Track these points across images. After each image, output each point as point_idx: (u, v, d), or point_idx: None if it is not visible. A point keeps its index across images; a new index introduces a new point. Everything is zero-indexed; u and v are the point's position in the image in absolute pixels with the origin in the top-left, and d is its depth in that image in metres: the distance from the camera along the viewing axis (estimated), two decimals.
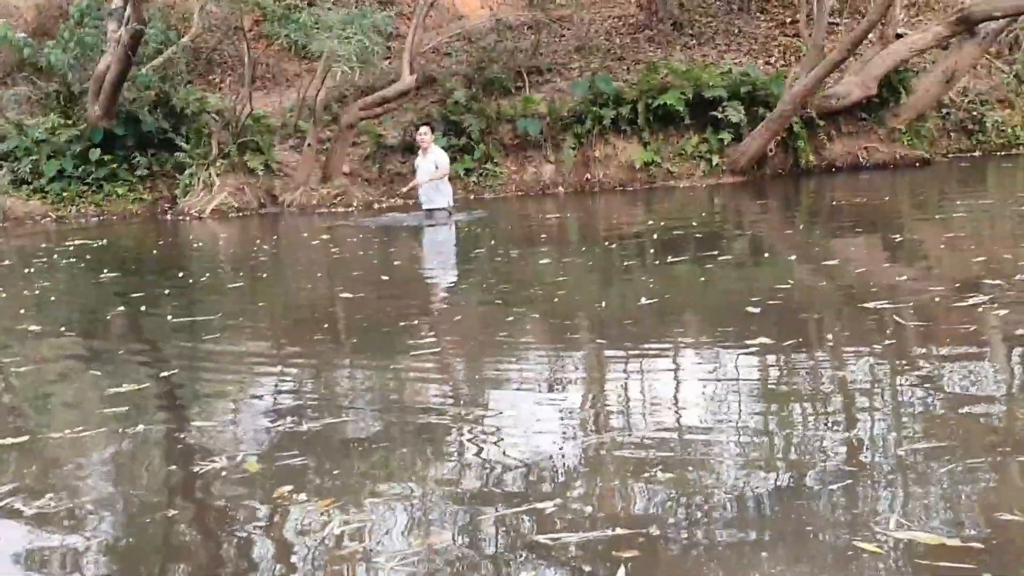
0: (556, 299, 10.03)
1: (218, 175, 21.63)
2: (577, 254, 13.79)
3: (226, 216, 20.97)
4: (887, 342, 7.41)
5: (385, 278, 12.70)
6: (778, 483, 4.88)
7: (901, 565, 3.96)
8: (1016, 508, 4.36)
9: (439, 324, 9.28)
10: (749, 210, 18.15)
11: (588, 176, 22.84)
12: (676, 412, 6.24)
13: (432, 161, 17.39)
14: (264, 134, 22.60)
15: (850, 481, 4.80)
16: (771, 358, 7.26)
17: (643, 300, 9.43)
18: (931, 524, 4.29)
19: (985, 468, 4.86)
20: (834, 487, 4.74)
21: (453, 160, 21.05)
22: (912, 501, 4.58)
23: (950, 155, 24.28)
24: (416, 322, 9.35)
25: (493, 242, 15.04)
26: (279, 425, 6.27)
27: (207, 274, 13.85)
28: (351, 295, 11.11)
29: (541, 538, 4.36)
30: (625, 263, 12.68)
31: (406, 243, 16.02)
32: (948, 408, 5.90)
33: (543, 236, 15.64)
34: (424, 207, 17.59)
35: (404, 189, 18.68)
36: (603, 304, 9.79)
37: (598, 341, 8.17)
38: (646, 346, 7.95)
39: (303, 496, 5.01)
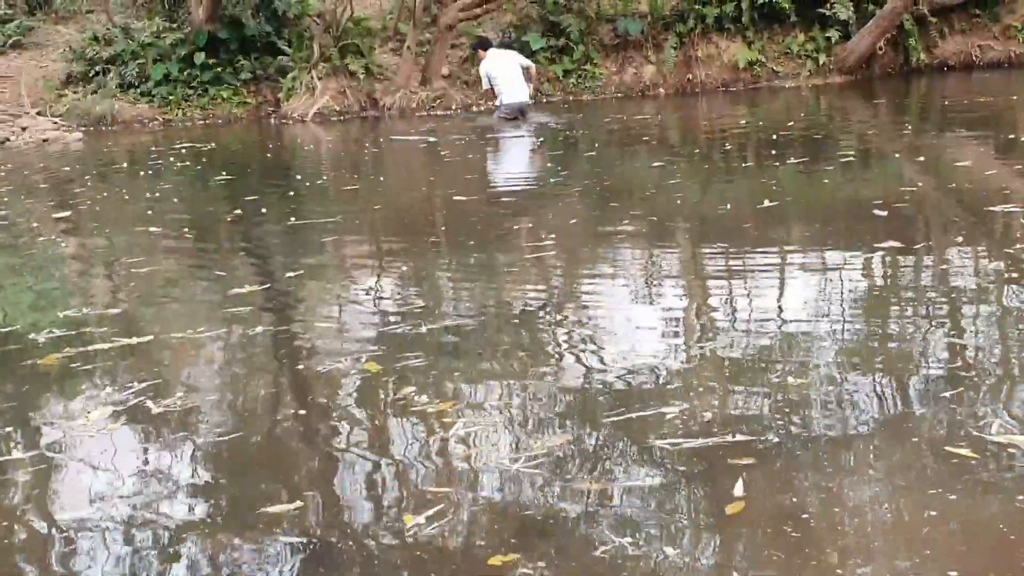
0: (675, 202, 9.95)
1: (320, 79, 21.67)
2: (687, 157, 13.61)
3: (328, 119, 21.05)
4: (1017, 246, 7.27)
5: (490, 180, 12.70)
6: (892, 388, 4.84)
7: (994, 468, 3.96)
8: None
9: (546, 227, 9.24)
10: (860, 111, 17.73)
11: (690, 77, 22.43)
12: (801, 317, 6.15)
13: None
14: (364, 37, 22.55)
15: (961, 388, 4.74)
16: (901, 261, 7.17)
17: (765, 203, 9.29)
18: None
19: None
20: (946, 393, 4.70)
21: (552, 61, 20.81)
22: (1016, 409, 4.51)
23: None
24: (526, 226, 9.33)
25: (597, 144, 14.91)
26: (398, 327, 6.31)
27: (320, 177, 13.95)
28: (463, 198, 11.10)
29: (659, 443, 4.36)
30: (741, 165, 12.50)
31: (509, 146, 15.95)
32: None
33: (646, 138, 15.46)
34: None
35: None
36: (727, 207, 9.65)
37: (721, 244, 8.08)
38: (774, 249, 7.87)
39: (424, 398, 5.05)
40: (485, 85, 18.02)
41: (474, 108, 21.21)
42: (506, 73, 17.49)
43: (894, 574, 3.34)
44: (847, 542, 3.52)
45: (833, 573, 3.35)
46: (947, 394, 4.69)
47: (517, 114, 17.35)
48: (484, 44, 18.63)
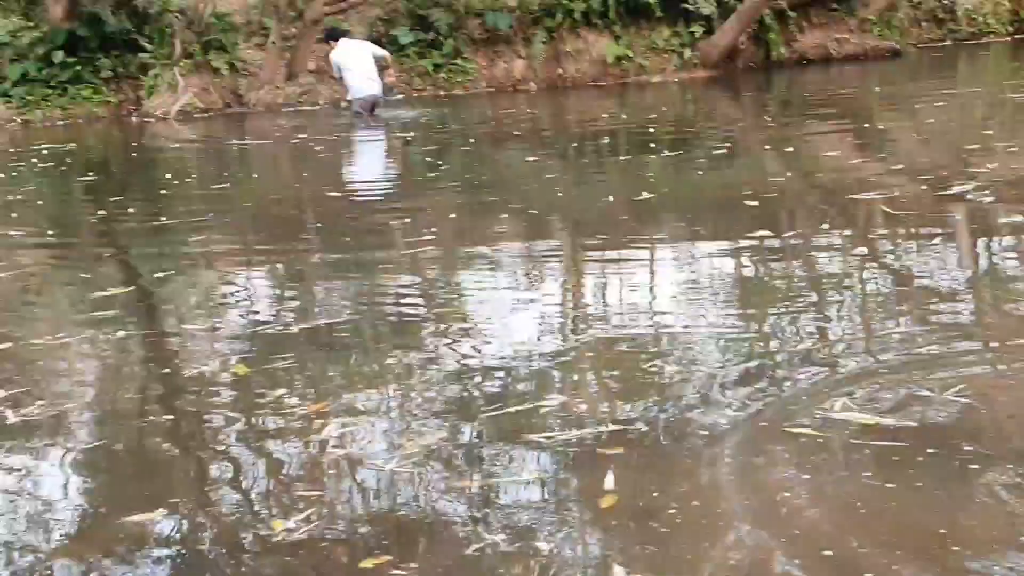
0: (554, 196, 9.97)
1: (182, 75, 21.22)
2: (563, 151, 13.65)
3: (192, 117, 20.62)
4: (878, 231, 7.49)
5: (363, 176, 12.58)
6: (758, 374, 4.92)
7: (827, 445, 4.08)
8: (963, 392, 4.45)
9: (423, 223, 9.17)
10: (726, 105, 18.03)
11: (560, 71, 22.51)
12: (676, 307, 6.22)
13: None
14: (228, 32, 22.13)
15: (819, 369, 4.90)
16: (771, 249, 7.31)
17: (643, 195, 9.36)
18: (878, 408, 4.38)
19: (947, 356, 4.97)
20: (803, 375, 4.84)
21: (421, 56, 20.67)
22: (867, 387, 4.63)
23: (921, 45, 24.10)
24: (398, 221, 9.25)
25: (472, 140, 14.88)
26: (269, 328, 6.19)
27: (187, 176, 13.65)
28: (337, 194, 10.96)
29: (533, 437, 4.34)
30: (616, 159, 12.59)
31: (378, 142, 15.82)
32: (927, 297, 6.01)
33: (517, 133, 15.47)
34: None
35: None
36: (605, 199, 9.70)
37: (600, 237, 8.12)
38: (652, 241, 7.97)
39: (295, 399, 4.95)
40: (336, 73, 17.67)
41: (342, 103, 21.01)
42: (357, 65, 17.10)
43: (766, 557, 3.37)
44: (714, 529, 3.54)
45: (704, 560, 3.36)
46: (803, 376, 4.81)
47: (369, 108, 17.05)
48: (333, 35, 18.25)
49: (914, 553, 3.32)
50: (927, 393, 4.51)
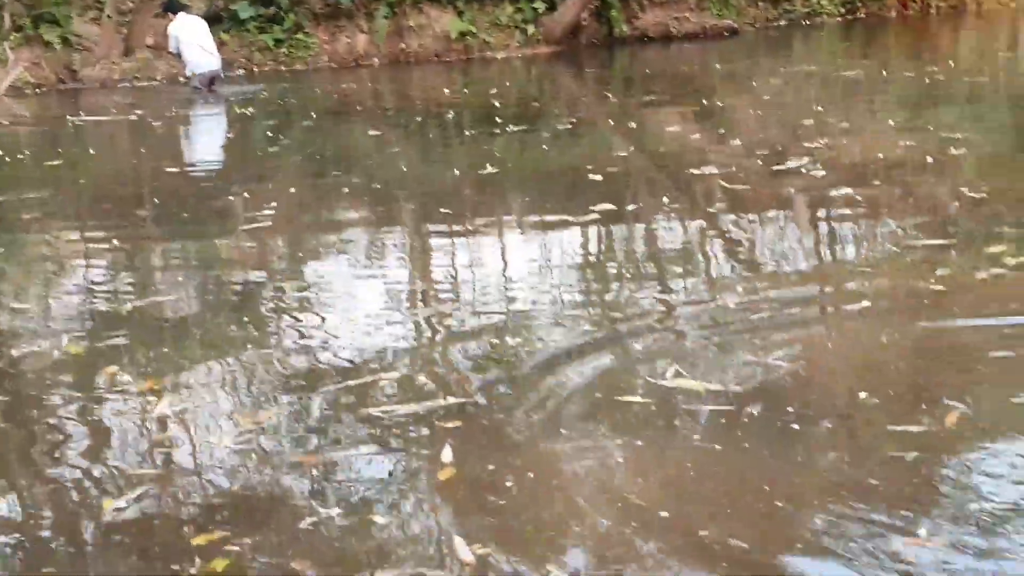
0: (398, 171, 9.90)
1: (12, 49, 20.44)
2: (406, 127, 13.55)
3: (23, 92, 19.90)
4: (716, 205, 7.65)
5: (203, 153, 12.30)
6: (593, 345, 4.98)
7: (659, 412, 4.18)
8: (787, 357, 4.62)
9: (263, 198, 9.02)
10: (570, 81, 18.15)
11: (403, 47, 22.35)
12: (520, 280, 6.25)
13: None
14: (60, 5, 21.39)
15: (656, 337, 5.05)
16: (614, 223, 7.42)
17: (488, 168, 9.36)
18: (707, 375, 4.49)
19: (774, 323, 5.13)
20: (639, 345, 4.95)
21: (262, 31, 20.33)
22: (697, 356, 4.77)
23: (757, 24, 24.65)
24: (238, 196, 9.07)
25: (314, 115, 14.67)
26: (103, 306, 6.02)
27: (19, 152, 13.14)
28: (175, 170, 10.68)
29: (373, 411, 4.32)
30: (460, 134, 12.56)
31: (218, 117, 15.50)
32: (764, 268, 6.21)
33: (360, 108, 15.33)
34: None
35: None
36: (450, 174, 9.66)
37: (444, 211, 8.10)
38: (496, 215, 7.99)
39: (128, 377, 4.83)
40: (172, 47, 17.20)
41: (181, 79, 20.53)
42: (196, 40, 16.78)
43: (603, 524, 3.40)
44: (551, 499, 3.57)
45: (543, 529, 3.38)
46: (639, 346, 4.92)
47: (208, 83, 16.70)
48: (172, 7, 17.81)
49: (743, 511, 3.40)
50: (753, 358, 4.64)
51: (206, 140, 13.82)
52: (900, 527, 3.22)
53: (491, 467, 3.80)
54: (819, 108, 11.96)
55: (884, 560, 3.07)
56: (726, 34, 23.15)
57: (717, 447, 3.83)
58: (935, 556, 3.07)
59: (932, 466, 3.62)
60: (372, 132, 12.54)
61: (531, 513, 3.48)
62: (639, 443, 3.95)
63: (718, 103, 13.51)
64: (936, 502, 3.39)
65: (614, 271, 6.35)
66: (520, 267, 6.53)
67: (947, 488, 3.48)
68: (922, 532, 3.19)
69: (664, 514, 3.41)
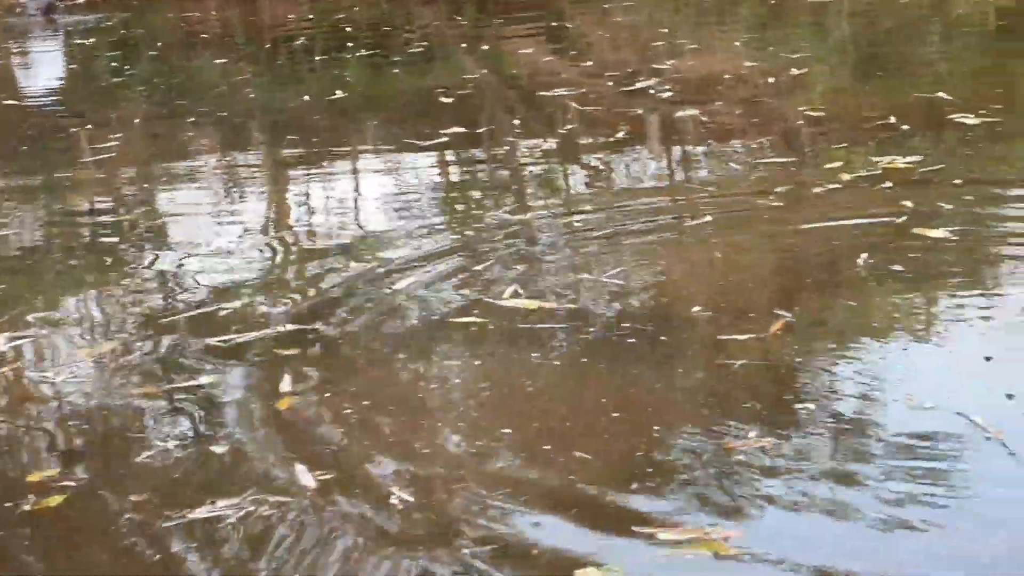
0: (246, 98, 9.72)
1: None
2: (255, 54, 13.28)
3: None
4: (567, 127, 7.70)
5: (42, 84, 11.89)
6: (436, 267, 4.98)
7: (496, 332, 4.20)
8: (622, 275, 4.67)
9: (108, 130, 8.77)
10: (419, 5, 17.92)
11: None
12: (373, 205, 6.24)
13: None
14: None
15: (498, 257, 5.04)
16: (464, 143, 7.45)
17: (337, 93, 9.24)
18: (546, 293, 4.55)
19: (612, 244, 5.18)
20: (482, 265, 4.95)
21: None
22: (538, 275, 4.81)
23: None
24: (81, 129, 8.82)
25: (159, 44, 14.27)
26: None
27: None
28: (14, 102, 10.32)
29: (213, 341, 4.27)
30: (309, 60, 12.36)
31: (58, 48, 14.97)
32: (609, 187, 6.30)
33: (206, 36, 14.95)
34: None
35: None
36: (300, 100, 9.51)
37: (292, 137, 7.98)
38: (348, 140, 7.92)
39: None
40: None
41: (17, 8, 19.74)
42: None
43: (445, 443, 3.43)
44: (392, 423, 3.58)
45: (384, 453, 3.39)
46: (482, 266, 4.92)
47: (46, 12, 16.10)
48: None
49: (583, 424, 3.46)
50: (591, 276, 4.70)
51: (46, 72, 13.34)
52: (731, 431, 3.31)
53: (330, 393, 3.79)
54: (669, 30, 12.06)
55: (716, 462, 3.15)
56: None
57: (555, 363, 3.89)
58: (763, 455, 3.16)
59: (757, 372, 3.72)
60: (219, 61, 12.26)
61: (372, 437, 3.48)
62: (477, 363, 3.98)
63: (570, 25, 13.53)
64: (762, 405, 3.49)
65: (462, 193, 6.36)
66: (369, 191, 6.51)
67: (772, 392, 3.59)
68: (752, 432, 3.28)
69: (506, 430, 3.45)
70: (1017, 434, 3.14)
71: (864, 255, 4.59)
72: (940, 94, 7.39)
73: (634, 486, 3.06)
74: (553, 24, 13.34)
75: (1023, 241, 4.73)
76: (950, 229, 4.81)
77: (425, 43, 12.93)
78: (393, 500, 3.07)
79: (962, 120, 6.67)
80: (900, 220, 4.99)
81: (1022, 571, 2.60)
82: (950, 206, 5.12)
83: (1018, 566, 2.61)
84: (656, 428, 3.38)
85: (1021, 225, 4.93)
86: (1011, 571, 2.61)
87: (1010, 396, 3.35)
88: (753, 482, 3.05)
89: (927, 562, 2.66)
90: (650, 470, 3.14)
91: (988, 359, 3.66)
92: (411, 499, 3.07)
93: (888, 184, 5.56)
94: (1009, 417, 3.24)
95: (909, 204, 5.15)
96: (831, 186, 5.68)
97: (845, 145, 6.53)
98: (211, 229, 5.91)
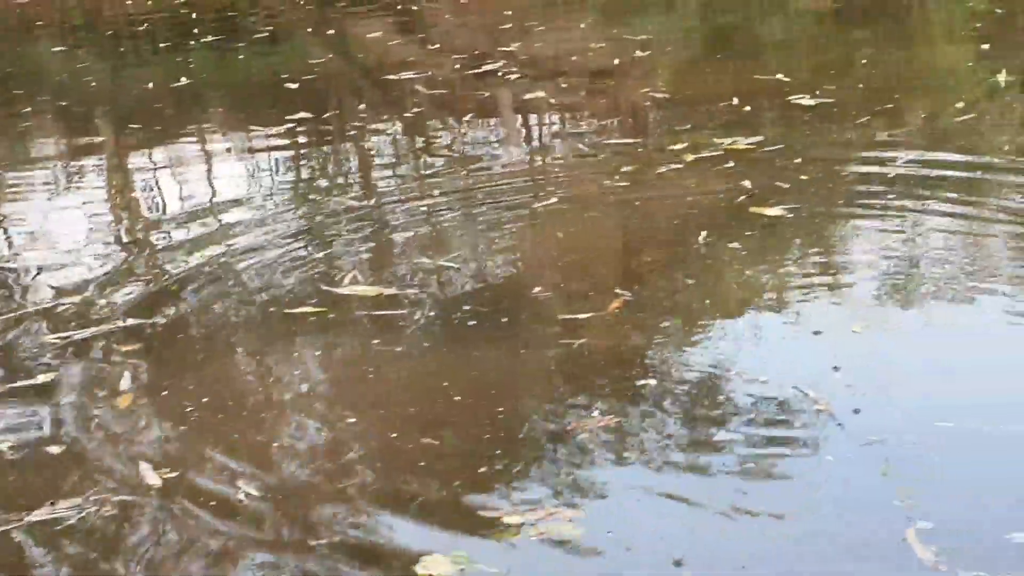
0: (88, 87, 9.46)
1: None
2: (96, 41, 12.92)
3: None
4: (414, 110, 7.69)
5: None
6: (276, 255, 4.95)
7: (336, 320, 4.19)
8: (462, 258, 4.73)
9: None
10: None
11: None
12: (220, 189, 6.17)
13: None
14: None
15: (339, 244, 5.07)
16: (310, 129, 7.37)
17: (182, 80, 9.06)
18: (386, 279, 4.58)
19: (455, 227, 5.26)
20: (322, 252, 4.96)
21: None
22: (377, 260, 4.87)
23: None
24: None
25: None
26: None
27: None
28: None
29: (51, 338, 4.18)
30: (153, 46, 12.09)
31: None
32: (457, 170, 6.26)
33: (42, 23, 14.49)
34: None
35: None
36: (144, 87, 9.29)
37: (136, 125, 7.81)
38: (193, 127, 7.78)
39: None
40: None
41: None
42: None
43: (292, 438, 3.41)
44: (235, 417, 3.56)
45: (229, 448, 3.35)
46: (322, 253, 4.92)
47: None
48: None
49: (428, 409, 3.48)
50: (429, 261, 4.72)
51: None
52: (574, 412, 3.36)
53: (171, 389, 3.73)
54: (516, 13, 12.10)
55: (560, 443, 3.20)
56: None
57: (397, 350, 3.89)
58: (607, 435, 3.22)
59: (597, 351, 3.78)
60: (57, 49, 11.91)
61: (216, 433, 3.44)
62: (318, 353, 3.97)
63: (417, 9, 13.48)
64: (604, 383, 3.56)
65: (307, 180, 6.33)
66: (213, 179, 6.44)
67: (613, 371, 3.65)
68: (596, 412, 3.34)
69: (351, 420, 3.44)
70: (844, 406, 3.25)
71: (704, 233, 4.70)
72: (779, 76, 7.57)
73: (482, 470, 3.08)
74: (398, 8, 13.25)
75: (855, 219, 4.90)
76: (786, 207, 4.95)
77: (270, 28, 12.74)
78: (239, 496, 3.04)
79: (799, 101, 6.85)
80: (739, 199, 5.12)
81: (860, 548, 2.68)
82: (787, 185, 5.26)
83: (854, 543, 2.70)
84: (500, 411, 3.40)
85: (856, 205, 5.09)
86: (849, 547, 2.69)
87: (836, 368, 3.48)
88: (597, 462, 3.10)
89: (769, 541, 2.73)
90: (498, 452, 3.16)
91: (817, 333, 3.79)
92: (257, 494, 3.05)
93: (730, 164, 5.68)
94: (836, 389, 3.36)
95: (748, 184, 5.28)
96: (675, 166, 5.78)
97: (689, 126, 6.64)
98: (50, 221, 5.76)
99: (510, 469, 3.09)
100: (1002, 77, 7.12)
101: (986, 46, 8.23)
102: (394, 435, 3.31)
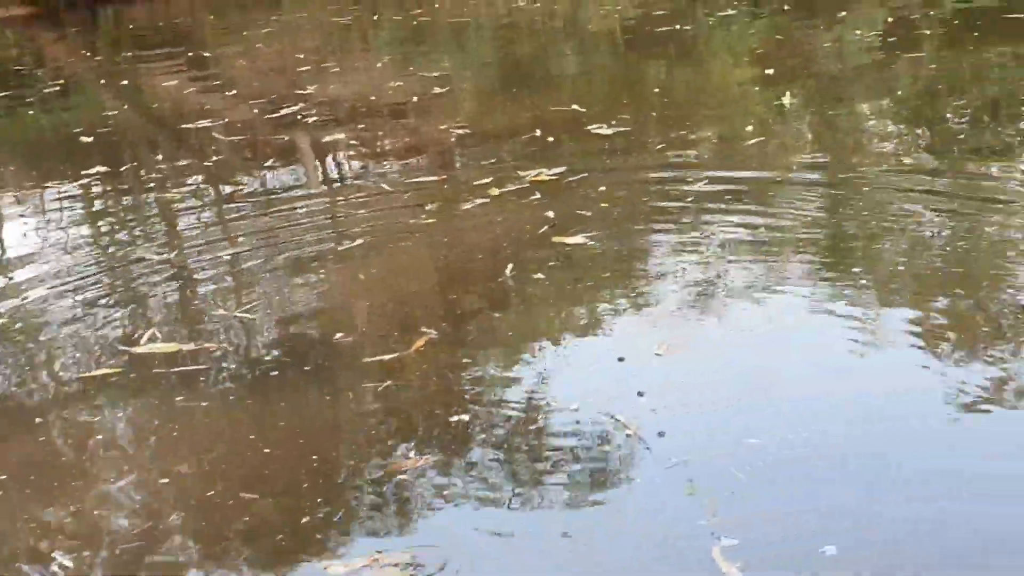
0: None
1: None
2: None
3: None
4: (213, 158, 7.57)
5: None
6: (71, 316, 4.78)
7: (136, 377, 4.09)
8: (262, 307, 4.66)
9: None
10: (52, 42, 17.16)
11: None
12: (12, 246, 6.08)
13: None
14: None
15: (124, 306, 4.91)
16: (108, 184, 7.24)
17: None
18: (184, 334, 4.47)
19: (255, 277, 5.15)
20: (119, 312, 4.79)
21: None
22: (173, 315, 4.76)
23: None
24: None
25: None
26: None
27: None
28: None
29: None
30: None
31: None
32: (259, 216, 6.18)
33: None
34: None
35: None
36: None
37: None
38: None
39: None
40: None
41: None
42: None
43: (106, 503, 3.27)
44: (46, 490, 3.41)
45: (42, 519, 3.20)
46: (119, 313, 4.73)
47: None
48: None
49: (241, 463, 3.39)
50: (229, 312, 4.63)
51: None
52: (388, 451, 3.33)
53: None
54: (312, 55, 12.05)
55: (378, 486, 3.16)
56: None
57: (203, 405, 3.79)
58: (423, 474, 3.20)
59: (404, 391, 3.76)
60: None
61: (23, 506, 3.29)
62: (120, 415, 3.85)
63: (212, 55, 13.31)
64: (416, 423, 3.53)
65: (104, 235, 6.13)
66: (6, 238, 6.22)
67: (424, 409, 3.63)
68: (412, 453, 3.30)
69: (163, 481, 3.33)
70: (651, 429, 3.29)
71: (510, 266, 4.72)
72: (575, 107, 7.71)
73: (304, 520, 3.02)
74: (192, 55, 13.06)
75: (655, 242, 5.00)
76: (588, 235, 5.02)
77: (60, 82, 12.37)
78: (54, 569, 2.91)
79: (598, 131, 6.98)
80: (543, 230, 5.17)
81: (668, 568, 2.71)
82: (589, 213, 5.34)
83: (663, 563, 2.73)
84: (315, 459, 3.34)
85: (656, 227, 5.20)
86: (657, 568, 2.72)
87: (640, 394, 3.53)
88: (418, 503, 3.07)
89: (587, 565, 2.74)
90: (319, 500, 3.11)
91: (621, 359, 3.84)
92: (73, 567, 2.92)
93: (536, 196, 5.74)
94: (641, 413, 3.40)
95: (551, 214, 5.34)
96: (480, 201, 5.81)
97: (493, 160, 6.69)
98: None
99: (332, 517, 3.04)
100: (787, 99, 7.41)
101: (770, 71, 8.55)
102: (211, 493, 3.22)
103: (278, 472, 3.32)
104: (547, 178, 6.04)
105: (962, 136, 6.35)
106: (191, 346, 4.29)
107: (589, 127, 7.10)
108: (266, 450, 3.43)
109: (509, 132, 7.35)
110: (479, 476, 3.18)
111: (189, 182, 7.15)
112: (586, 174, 6.03)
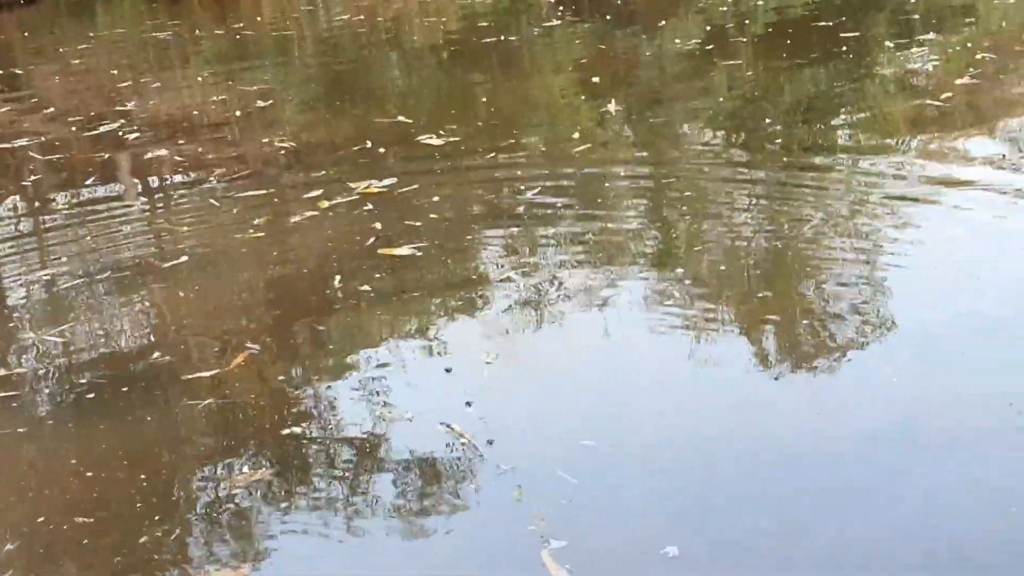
0: None
1: None
2: None
3: None
4: (30, 178, 7.30)
5: None
6: None
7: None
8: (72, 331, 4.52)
9: None
10: None
11: None
12: None
13: None
14: None
15: None
16: None
17: None
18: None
19: (75, 297, 5.01)
20: None
21: None
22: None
23: None
24: None
25: None
26: None
27: None
28: None
29: None
30: None
31: None
32: (79, 240, 5.95)
33: None
34: None
35: None
36: None
37: None
38: None
39: None
40: None
41: None
42: None
43: None
44: None
45: None
46: None
47: None
48: None
49: (64, 489, 3.28)
50: (34, 335, 4.50)
51: None
52: (219, 466, 3.27)
53: None
54: (132, 71, 11.74)
55: (213, 503, 3.09)
56: (22, 1, 21.86)
57: (20, 431, 3.65)
58: (258, 488, 3.14)
59: (226, 407, 3.70)
60: None
61: None
62: None
63: (24, 73, 12.85)
64: (240, 439, 3.47)
65: None
66: None
67: (251, 424, 3.56)
68: (245, 468, 3.24)
69: None
70: (481, 438, 3.30)
71: (337, 278, 4.68)
72: (400, 118, 7.68)
73: (143, 540, 2.95)
74: (3, 73, 12.56)
75: (483, 250, 5.02)
76: (415, 246, 5.00)
77: None
78: None
79: (428, 141, 6.97)
80: (370, 242, 5.13)
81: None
82: (419, 223, 5.32)
83: (492, 568, 2.74)
84: (143, 478, 3.25)
85: (483, 235, 5.21)
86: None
87: (468, 404, 3.52)
88: (255, 517, 3.02)
89: (422, 569, 2.73)
90: (157, 518, 3.03)
91: (448, 371, 3.83)
92: None
93: (367, 207, 5.69)
94: (471, 422, 3.41)
95: (379, 225, 5.30)
96: (310, 214, 5.73)
97: (323, 173, 6.60)
98: None
99: (170, 535, 2.97)
100: (611, 106, 7.53)
101: (596, 79, 8.67)
102: (42, 519, 3.10)
103: (109, 495, 3.22)
104: (377, 189, 5.99)
105: (775, 134, 6.57)
106: (1, 372, 4.13)
107: (419, 138, 7.08)
108: (88, 473, 3.32)
109: (337, 144, 7.28)
110: (317, 487, 3.14)
111: (5, 202, 6.88)
112: (416, 185, 6.01)
